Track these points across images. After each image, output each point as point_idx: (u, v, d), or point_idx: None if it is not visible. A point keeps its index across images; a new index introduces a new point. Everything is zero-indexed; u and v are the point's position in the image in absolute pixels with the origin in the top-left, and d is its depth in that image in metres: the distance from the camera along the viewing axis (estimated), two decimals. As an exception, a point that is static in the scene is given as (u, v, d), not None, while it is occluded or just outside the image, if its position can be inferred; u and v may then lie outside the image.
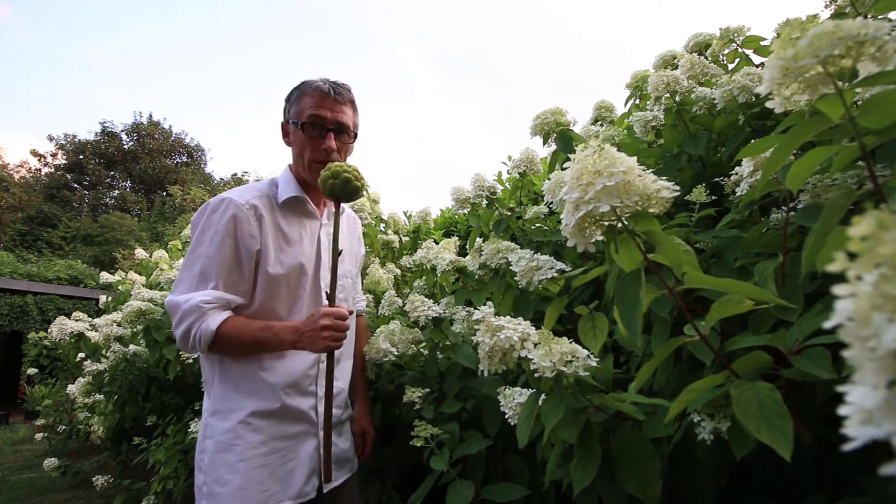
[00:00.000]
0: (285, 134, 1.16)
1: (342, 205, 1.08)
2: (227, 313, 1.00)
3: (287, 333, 0.99)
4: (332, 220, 1.10)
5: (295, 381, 1.05)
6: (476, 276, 1.33)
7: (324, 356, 1.07)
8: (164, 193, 20.85)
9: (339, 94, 1.09)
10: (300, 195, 1.12)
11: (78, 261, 11.58)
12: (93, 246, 15.59)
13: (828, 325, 0.23)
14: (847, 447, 0.22)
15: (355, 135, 1.15)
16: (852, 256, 0.22)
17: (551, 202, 0.96)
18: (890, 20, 0.80)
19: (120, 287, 3.72)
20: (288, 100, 1.14)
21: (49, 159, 21.43)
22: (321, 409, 1.07)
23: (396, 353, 1.31)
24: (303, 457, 1.04)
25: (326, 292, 1.01)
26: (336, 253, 0.99)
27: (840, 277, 0.23)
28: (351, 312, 1.03)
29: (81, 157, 21.23)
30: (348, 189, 0.98)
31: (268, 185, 1.13)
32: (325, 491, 1.06)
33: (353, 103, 1.14)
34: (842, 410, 0.22)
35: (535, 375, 0.70)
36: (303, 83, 1.12)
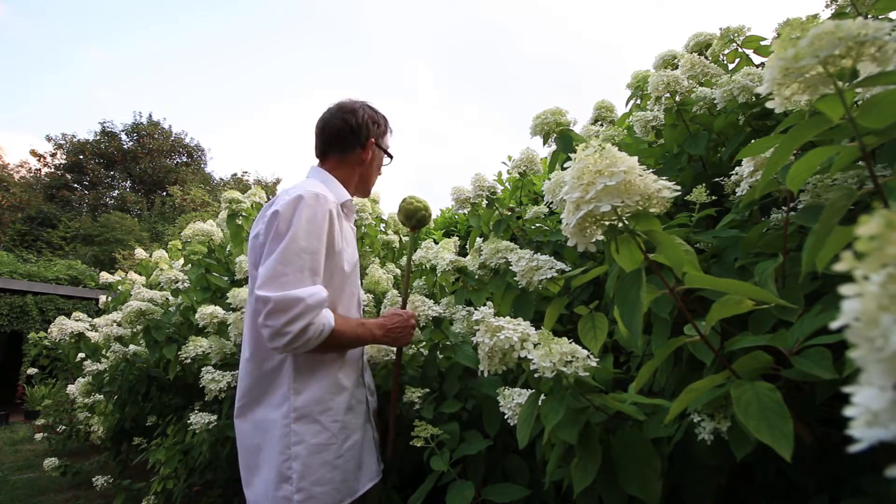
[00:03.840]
0: (364, 150, 1.21)
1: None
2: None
3: (377, 329, 1.12)
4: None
5: (357, 378, 1.15)
6: (476, 276, 1.33)
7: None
8: (164, 193, 20.85)
9: None
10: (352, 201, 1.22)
11: (78, 261, 11.56)
12: (93, 246, 15.58)
13: (834, 325, 0.23)
14: (853, 449, 0.21)
15: None
16: (859, 256, 0.22)
17: (551, 202, 0.95)
18: (890, 20, 0.80)
19: (120, 287, 3.72)
20: (379, 123, 1.25)
21: (49, 159, 21.41)
22: (371, 399, 1.21)
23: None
24: (369, 442, 1.15)
25: (401, 298, 1.29)
26: (409, 269, 1.27)
27: (843, 278, 0.22)
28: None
29: (81, 156, 21.20)
30: (426, 221, 1.34)
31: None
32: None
33: None
34: (848, 412, 0.22)
35: (535, 376, 0.70)
36: (386, 117, 1.28)
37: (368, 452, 1.14)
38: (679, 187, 0.56)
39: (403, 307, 1.22)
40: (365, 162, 1.22)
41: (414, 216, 1.31)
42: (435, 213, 3.07)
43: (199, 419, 1.85)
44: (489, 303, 1.29)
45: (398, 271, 2.30)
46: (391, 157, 1.30)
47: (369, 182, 1.26)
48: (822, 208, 0.50)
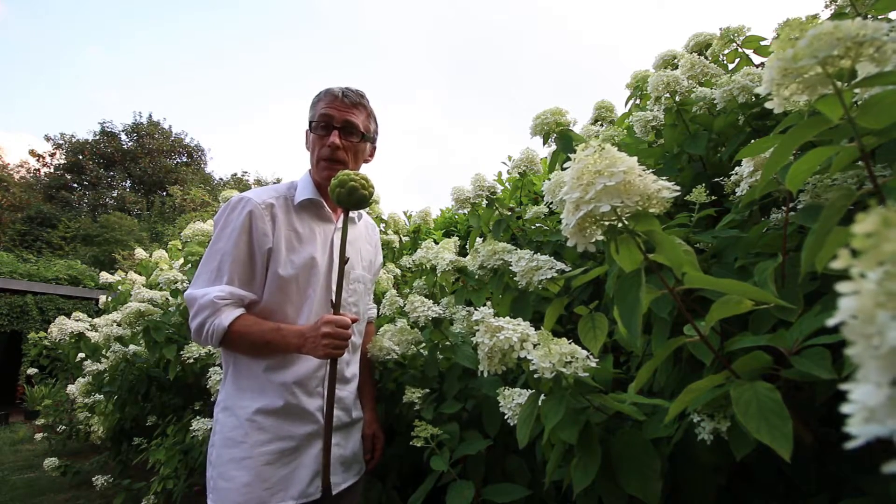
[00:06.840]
0: (307, 139, 1.18)
1: (360, 212, 1.19)
2: (240, 311, 1.03)
3: (293, 337, 1.01)
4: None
5: (302, 381, 1.06)
6: (476, 276, 1.32)
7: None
8: (164, 193, 20.86)
9: (347, 96, 1.13)
10: (316, 198, 1.14)
11: (77, 261, 11.56)
12: (93, 246, 15.59)
13: (831, 322, 0.23)
14: (849, 445, 0.22)
15: (364, 137, 1.16)
16: (856, 254, 0.22)
17: (551, 202, 0.96)
18: (889, 20, 0.80)
19: (120, 287, 3.72)
20: (310, 108, 1.17)
21: (48, 159, 21.41)
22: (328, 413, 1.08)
23: (399, 351, 1.30)
24: (308, 457, 1.04)
25: (331, 300, 1.02)
26: (342, 260, 0.98)
27: (842, 277, 0.22)
28: (355, 320, 1.04)
29: (80, 157, 21.19)
30: (355, 198, 0.97)
31: (286, 188, 1.16)
32: (333, 493, 1.06)
33: (364, 108, 1.16)
34: (844, 408, 0.22)
35: (535, 376, 0.70)
36: (321, 90, 1.15)
37: (304, 468, 1.03)
38: (678, 187, 0.56)
39: (336, 311, 0.99)
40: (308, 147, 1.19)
41: (353, 195, 0.97)
42: (435, 213, 3.07)
43: (202, 425, 1.85)
44: (489, 303, 1.29)
45: (398, 271, 2.30)
46: (311, 123, 1.15)
47: (312, 162, 1.16)
48: (822, 208, 0.50)
